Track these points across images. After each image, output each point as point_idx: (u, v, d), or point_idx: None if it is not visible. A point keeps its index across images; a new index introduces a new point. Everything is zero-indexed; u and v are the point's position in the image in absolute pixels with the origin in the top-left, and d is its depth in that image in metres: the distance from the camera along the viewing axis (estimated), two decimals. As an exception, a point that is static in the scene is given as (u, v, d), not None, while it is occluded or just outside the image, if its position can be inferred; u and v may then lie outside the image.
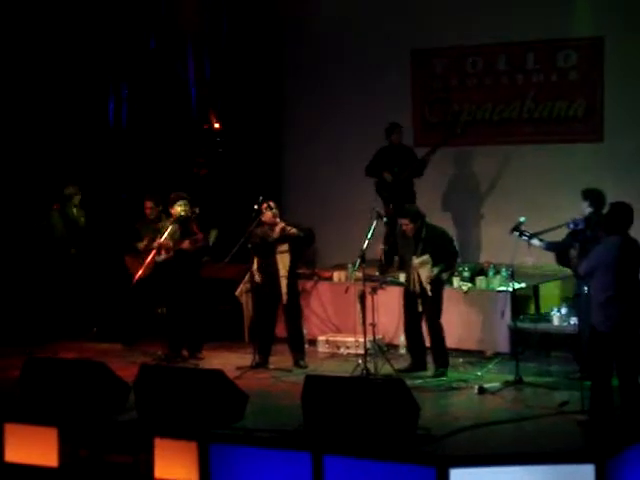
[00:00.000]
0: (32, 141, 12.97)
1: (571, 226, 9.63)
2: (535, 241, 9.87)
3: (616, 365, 8.18)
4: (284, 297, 10.74)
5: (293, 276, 10.85)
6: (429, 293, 10.24)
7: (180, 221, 11.11)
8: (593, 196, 9.83)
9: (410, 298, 10.41)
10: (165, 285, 11.17)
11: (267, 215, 10.71)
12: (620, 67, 12.43)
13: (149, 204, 11.83)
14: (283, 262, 10.72)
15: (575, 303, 10.04)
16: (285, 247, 10.72)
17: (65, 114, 13.19)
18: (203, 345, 11.32)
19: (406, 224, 10.32)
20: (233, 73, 14.18)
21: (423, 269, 10.27)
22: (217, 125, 13.92)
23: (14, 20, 12.74)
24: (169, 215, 11.33)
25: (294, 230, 10.66)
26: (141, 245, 11.56)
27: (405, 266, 10.53)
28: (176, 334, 11.15)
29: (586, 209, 9.80)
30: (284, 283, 10.72)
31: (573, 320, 10.38)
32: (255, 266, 10.80)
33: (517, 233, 9.88)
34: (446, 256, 10.33)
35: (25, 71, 12.87)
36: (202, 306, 11.33)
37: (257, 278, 10.81)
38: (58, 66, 13.07)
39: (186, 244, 11.02)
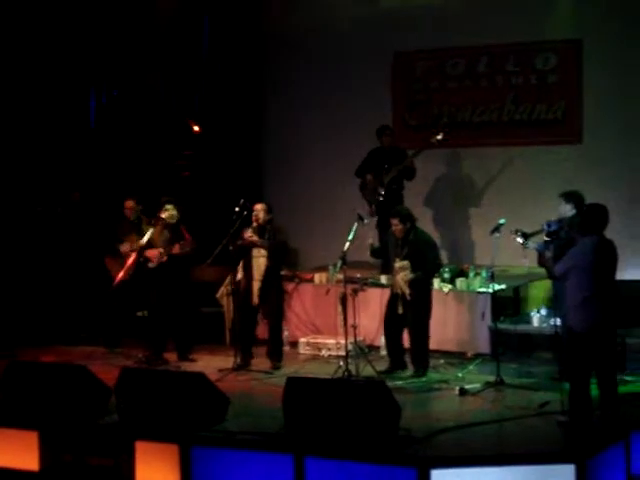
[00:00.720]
0: (15, 145, 12.93)
1: (545, 228, 9.68)
2: (530, 243, 9.87)
3: (594, 365, 8.22)
4: (255, 299, 10.77)
5: (272, 280, 10.87)
6: (407, 297, 10.26)
7: (167, 225, 11.10)
8: (576, 198, 9.83)
9: (393, 299, 10.45)
10: (152, 288, 11.15)
11: (252, 217, 10.79)
12: (599, 69, 12.49)
13: (129, 204, 11.81)
14: (258, 266, 10.77)
15: (554, 304, 10.06)
16: (262, 252, 10.76)
17: (46, 117, 13.15)
18: (192, 347, 11.33)
19: (396, 224, 10.37)
20: (214, 71, 14.18)
21: (402, 273, 10.31)
22: (196, 128, 13.91)
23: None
24: (149, 216, 11.31)
25: (255, 238, 10.69)
26: (124, 247, 11.55)
27: (390, 268, 10.55)
28: (159, 337, 11.14)
29: (569, 212, 9.80)
30: (256, 286, 10.76)
31: (552, 321, 10.42)
32: (240, 265, 10.84)
33: (518, 234, 9.83)
34: (425, 264, 10.34)
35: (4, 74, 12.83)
36: (191, 309, 11.33)
37: (239, 275, 10.85)
38: (38, 71, 13.03)
39: (176, 248, 11.02)
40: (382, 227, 11.75)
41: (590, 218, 8.30)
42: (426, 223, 11.94)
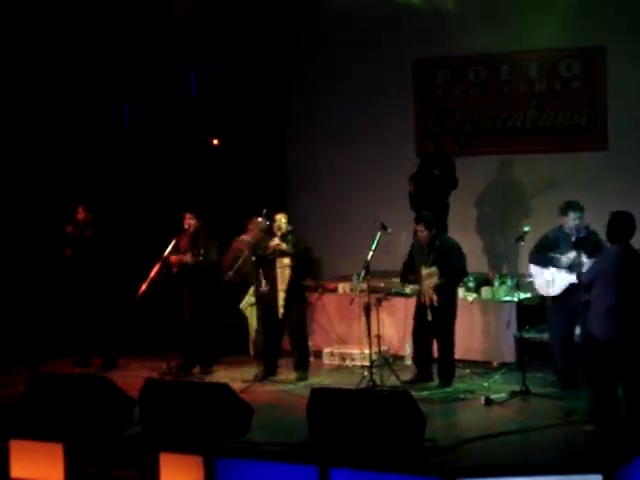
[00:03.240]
0: (39, 164, 12.97)
1: (575, 234, 9.64)
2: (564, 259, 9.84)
3: (620, 374, 8.12)
4: (280, 310, 10.73)
5: (296, 290, 10.83)
6: (435, 303, 10.21)
7: (189, 234, 11.11)
8: (581, 208, 9.82)
9: (420, 308, 10.39)
10: (176, 298, 11.17)
11: (274, 227, 10.76)
12: (623, 75, 12.39)
13: (80, 208, 11.86)
14: (283, 276, 10.75)
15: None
16: (286, 261, 10.72)
17: (67, 130, 13.18)
18: (215, 360, 11.31)
19: (421, 230, 10.36)
20: (236, 83, 14.18)
21: (429, 280, 10.25)
22: (216, 141, 13.92)
23: (17, 35, 12.75)
24: (97, 223, 11.54)
25: (284, 246, 10.66)
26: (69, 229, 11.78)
27: (418, 276, 10.50)
28: (191, 348, 11.14)
29: (572, 219, 9.74)
30: (281, 297, 10.72)
31: (578, 330, 10.32)
32: (262, 276, 10.81)
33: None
34: (452, 270, 10.28)
35: (26, 90, 12.86)
36: (215, 321, 11.31)
37: (264, 287, 10.81)
38: (60, 86, 13.06)
39: (187, 257, 11.03)
40: None
41: (617, 226, 8.18)
42: (449, 231, 11.85)
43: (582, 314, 8.99)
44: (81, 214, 11.81)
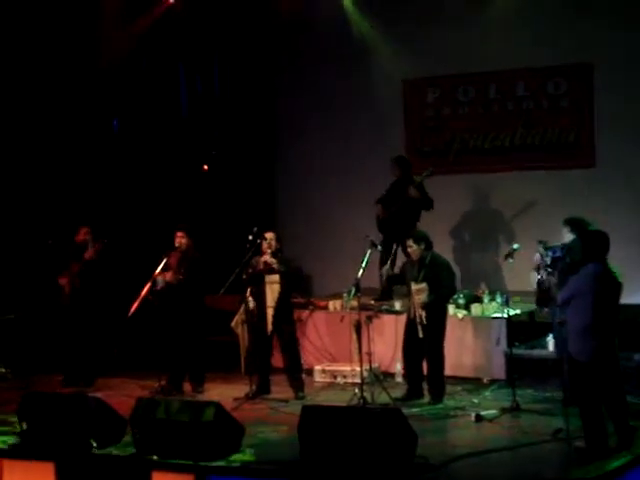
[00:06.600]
0: (32, 179, 13.01)
1: (550, 254, 9.68)
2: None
3: (601, 392, 8.14)
4: (269, 327, 10.76)
5: (285, 307, 10.85)
6: (423, 321, 10.24)
7: (180, 252, 11.14)
8: (573, 223, 9.83)
9: (410, 324, 10.43)
10: (164, 317, 11.18)
11: (264, 245, 10.78)
12: (610, 92, 12.49)
13: (84, 230, 11.87)
14: (272, 293, 10.77)
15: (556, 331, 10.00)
16: (275, 278, 10.76)
17: (61, 151, 13.23)
18: (205, 378, 11.31)
19: (410, 245, 10.39)
20: (227, 104, 14.25)
21: (419, 296, 10.29)
22: (205, 167, 13.98)
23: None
24: (96, 241, 11.63)
25: (275, 264, 10.70)
26: (62, 281, 11.70)
27: (408, 292, 10.54)
28: (175, 366, 11.15)
29: (566, 235, 9.80)
30: (270, 313, 10.75)
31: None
32: (248, 293, 10.84)
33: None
34: (441, 287, 10.33)
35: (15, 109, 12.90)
36: (202, 338, 11.31)
37: (251, 305, 10.85)
38: (49, 107, 13.12)
39: (169, 276, 11.05)
40: (384, 260, 11.55)
41: (591, 245, 8.24)
42: (439, 249, 11.90)
43: (558, 331, 9.02)
44: (82, 236, 11.83)
